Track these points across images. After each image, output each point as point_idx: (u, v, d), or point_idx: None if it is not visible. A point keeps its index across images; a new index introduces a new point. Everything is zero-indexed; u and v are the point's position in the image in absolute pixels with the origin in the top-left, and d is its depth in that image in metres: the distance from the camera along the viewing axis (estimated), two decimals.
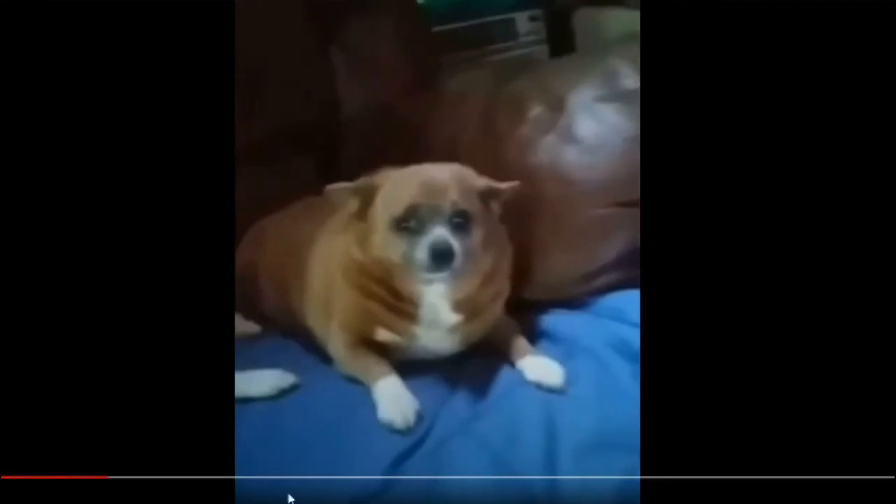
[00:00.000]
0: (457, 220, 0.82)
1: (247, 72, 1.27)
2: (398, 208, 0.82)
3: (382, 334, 0.90)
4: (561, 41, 1.96)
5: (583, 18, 1.94)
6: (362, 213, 0.86)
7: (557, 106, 1.04)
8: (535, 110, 1.06)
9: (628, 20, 1.72)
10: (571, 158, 1.02)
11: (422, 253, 0.79)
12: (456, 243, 0.79)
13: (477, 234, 0.84)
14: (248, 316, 1.11)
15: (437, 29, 1.66)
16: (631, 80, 1.01)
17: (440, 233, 0.80)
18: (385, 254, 0.84)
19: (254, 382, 0.88)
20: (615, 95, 1.01)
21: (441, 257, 0.79)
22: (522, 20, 1.95)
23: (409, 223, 0.81)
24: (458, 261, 0.80)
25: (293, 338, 1.04)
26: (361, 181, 0.87)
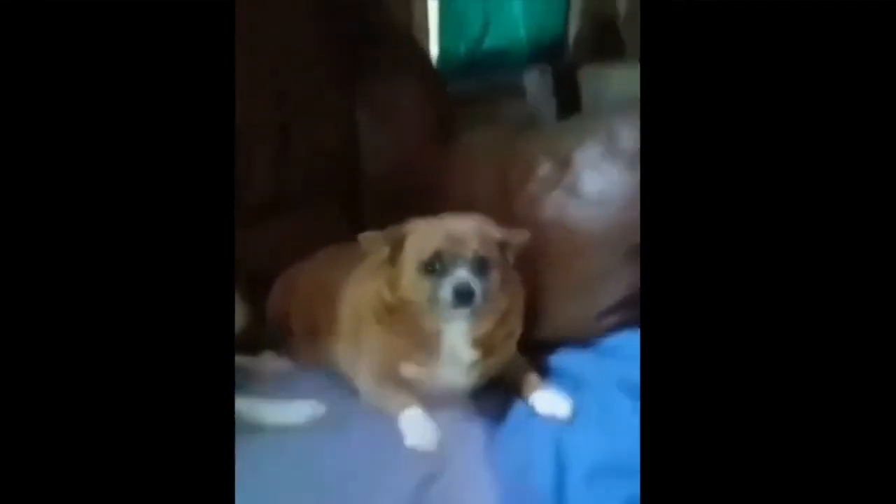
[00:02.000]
0: (476, 264, 0.91)
1: (280, 127, 1.39)
2: (425, 253, 0.92)
3: (407, 369, 0.99)
4: (567, 97, 2.05)
5: (588, 75, 2.04)
6: (392, 258, 0.96)
7: (564, 164, 1.15)
8: (544, 168, 1.17)
9: (630, 78, 1.83)
10: (576, 212, 1.12)
11: (446, 292, 0.89)
12: (476, 284, 0.89)
13: (494, 278, 0.93)
14: (280, 354, 1.19)
15: (451, 87, 1.77)
16: (630, 140, 1.12)
17: (462, 275, 0.90)
18: (412, 294, 0.94)
19: (289, 412, 0.96)
20: (616, 154, 1.12)
21: (463, 296, 0.89)
22: (531, 77, 2.05)
23: (434, 267, 0.91)
24: (477, 300, 0.89)
25: (322, 374, 1.12)
26: (392, 229, 0.97)
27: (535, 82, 2.05)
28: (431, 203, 1.10)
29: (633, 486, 0.78)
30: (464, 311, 0.91)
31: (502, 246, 0.97)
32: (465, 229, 0.94)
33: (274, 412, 0.96)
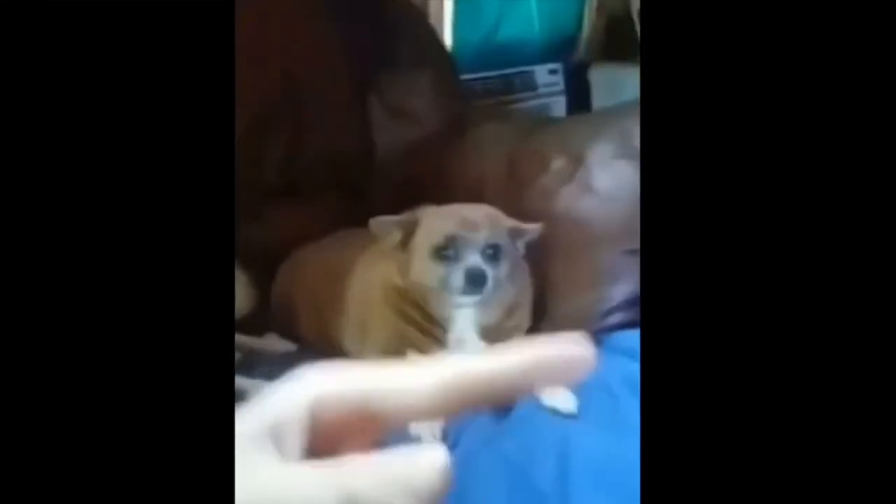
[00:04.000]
0: (489, 251, 0.92)
1: (292, 114, 1.38)
2: (438, 238, 0.92)
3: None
4: (577, 94, 2.07)
5: (598, 73, 2.05)
6: (404, 243, 0.96)
7: (577, 160, 1.15)
8: (557, 163, 1.17)
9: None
10: (588, 207, 1.12)
11: (458, 277, 0.89)
12: (488, 270, 0.89)
13: (505, 267, 0.93)
14: (285, 336, 1.20)
15: (463, 77, 1.77)
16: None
17: (475, 260, 0.90)
18: (424, 279, 0.94)
19: None
20: (628, 153, 1.12)
21: (475, 281, 0.89)
22: (542, 73, 2.06)
23: (447, 252, 0.91)
24: (488, 286, 0.89)
25: (327, 357, 1.12)
26: (405, 215, 0.97)
27: (547, 78, 2.06)
28: (442, 193, 1.10)
29: (634, 482, 0.79)
30: (473, 298, 0.91)
31: (513, 235, 0.97)
32: (477, 216, 0.94)
33: None
